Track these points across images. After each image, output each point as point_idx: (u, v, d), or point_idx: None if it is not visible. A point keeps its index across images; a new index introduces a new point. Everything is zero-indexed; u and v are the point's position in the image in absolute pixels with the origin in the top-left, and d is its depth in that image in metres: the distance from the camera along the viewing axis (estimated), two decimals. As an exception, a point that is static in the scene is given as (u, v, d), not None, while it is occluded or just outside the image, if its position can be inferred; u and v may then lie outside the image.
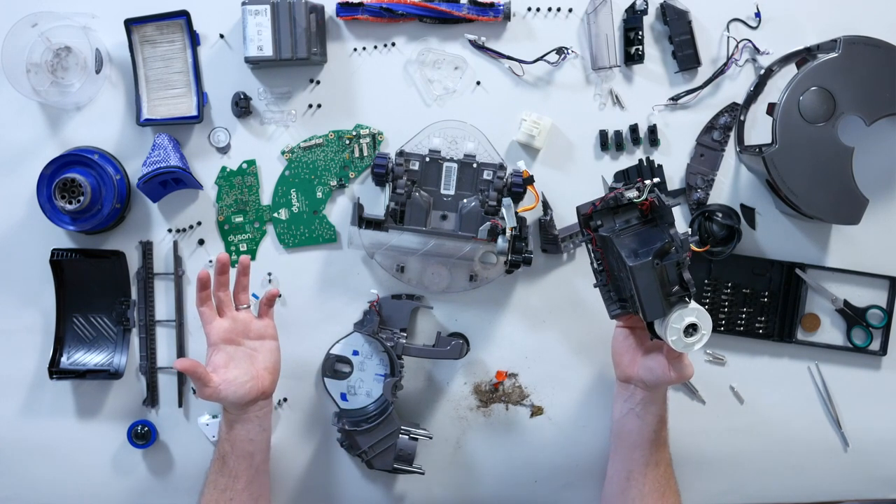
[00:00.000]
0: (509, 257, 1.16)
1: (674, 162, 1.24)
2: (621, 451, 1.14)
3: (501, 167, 1.19)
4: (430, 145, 1.21)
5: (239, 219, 1.25)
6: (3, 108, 1.23)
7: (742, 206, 1.24)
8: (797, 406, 1.26)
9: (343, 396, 1.22)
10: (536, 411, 1.27)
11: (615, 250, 1.02)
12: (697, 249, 1.19)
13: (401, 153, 1.20)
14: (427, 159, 1.20)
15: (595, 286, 1.09)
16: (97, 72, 1.20)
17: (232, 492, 1.11)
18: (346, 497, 1.28)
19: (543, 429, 1.27)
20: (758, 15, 1.22)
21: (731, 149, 1.23)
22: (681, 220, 1.24)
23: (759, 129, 1.23)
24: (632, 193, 1.03)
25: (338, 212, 1.25)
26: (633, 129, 1.23)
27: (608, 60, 1.21)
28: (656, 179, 1.05)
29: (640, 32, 1.21)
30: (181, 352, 1.25)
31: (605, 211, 1.05)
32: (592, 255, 1.08)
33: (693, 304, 1.00)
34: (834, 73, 1.11)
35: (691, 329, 1.00)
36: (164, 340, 1.26)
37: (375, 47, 1.23)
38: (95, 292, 1.24)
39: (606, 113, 1.24)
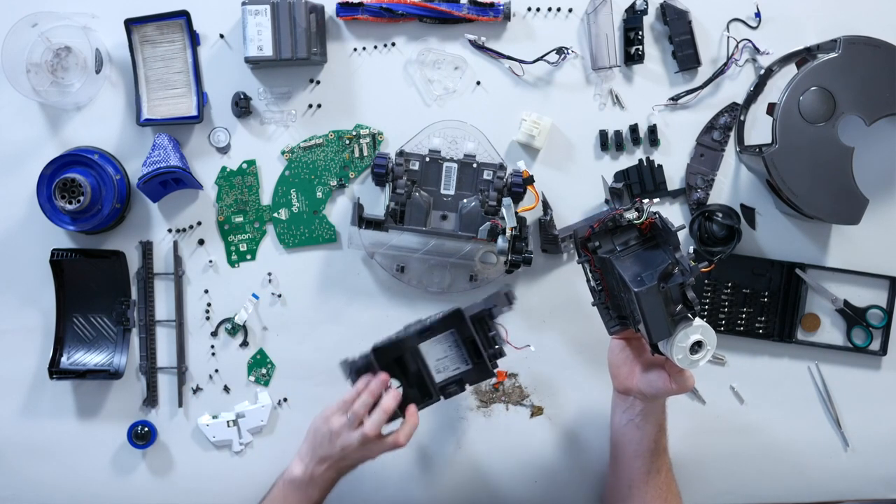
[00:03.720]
0: (509, 257, 1.16)
1: (674, 162, 1.24)
2: (622, 461, 1.14)
3: (501, 167, 1.19)
4: (430, 145, 1.21)
5: (239, 219, 1.25)
6: (3, 108, 1.23)
7: (742, 206, 1.24)
8: (797, 406, 1.26)
9: None
10: (536, 411, 1.27)
11: (616, 272, 1.01)
12: (705, 270, 1.18)
13: (401, 153, 1.20)
14: (427, 159, 1.19)
15: (593, 304, 1.09)
16: (97, 72, 1.20)
17: None
18: (347, 497, 1.27)
19: (543, 429, 1.27)
20: (758, 15, 1.22)
21: (731, 149, 1.23)
22: (680, 221, 1.24)
23: (759, 129, 1.22)
24: (631, 214, 1.02)
25: (338, 212, 1.25)
26: (633, 129, 1.23)
27: (608, 60, 1.21)
28: (656, 200, 1.03)
29: (640, 32, 1.21)
30: (181, 352, 1.25)
31: (602, 232, 1.04)
32: (590, 274, 1.07)
33: (697, 321, 0.99)
34: (834, 73, 1.11)
35: (696, 346, 0.99)
36: (164, 340, 1.25)
37: (375, 47, 1.23)
38: (95, 292, 1.24)
39: (606, 113, 1.24)
